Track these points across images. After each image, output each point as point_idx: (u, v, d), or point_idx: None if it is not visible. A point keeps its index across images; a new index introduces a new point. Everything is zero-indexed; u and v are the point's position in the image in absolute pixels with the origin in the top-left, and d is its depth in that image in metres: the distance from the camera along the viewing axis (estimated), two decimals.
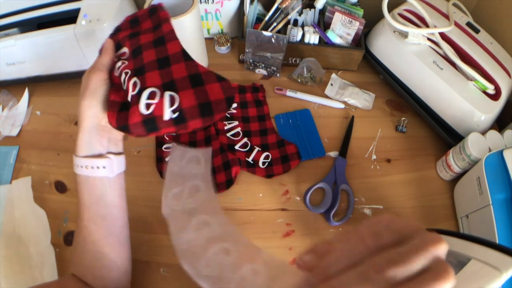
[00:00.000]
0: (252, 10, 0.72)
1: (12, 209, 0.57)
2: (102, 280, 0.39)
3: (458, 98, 0.60)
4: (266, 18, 0.72)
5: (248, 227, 0.56)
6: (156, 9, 0.42)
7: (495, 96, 0.61)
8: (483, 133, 0.57)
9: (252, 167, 0.62)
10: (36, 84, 0.72)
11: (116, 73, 0.39)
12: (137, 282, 0.52)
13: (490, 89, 0.61)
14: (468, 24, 0.68)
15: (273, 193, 0.60)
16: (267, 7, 0.75)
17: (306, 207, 0.58)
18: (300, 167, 0.62)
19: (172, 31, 0.38)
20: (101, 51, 0.41)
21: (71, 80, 0.73)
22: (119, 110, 0.36)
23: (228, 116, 0.68)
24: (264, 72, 0.75)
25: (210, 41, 0.79)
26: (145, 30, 0.40)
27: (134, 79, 0.36)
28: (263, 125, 0.67)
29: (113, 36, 0.42)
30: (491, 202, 0.48)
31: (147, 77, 0.36)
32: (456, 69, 0.62)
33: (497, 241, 0.45)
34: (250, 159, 0.62)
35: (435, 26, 0.65)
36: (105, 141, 0.37)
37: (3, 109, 0.70)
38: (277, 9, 0.71)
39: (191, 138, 0.65)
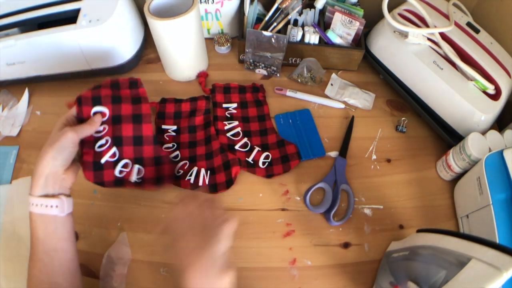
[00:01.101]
0: (252, 10, 0.72)
1: (12, 209, 0.57)
2: None
3: (458, 98, 0.60)
4: (266, 18, 0.72)
5: (248, 227, 0.56)
6: (136, 83, 0.52)
7: (495, 96, 0.61)
8: (483, 133, 0.57)
9: (252, 167, 0.62)
10: (36, 84, 0.72)
11: (95, 135, 0.48)
12: (137, 282, 0.52)
13: (490, 89, 0.61)
14: (468, 24, 0.68)
15: (273, 193, 0.60)
16: (267, 7, 0.75)
17: (306, 207, 0.58)
18: (300, 167, 0.62)
19: (149, 115, 0.51)
20: (80, 110, 0.47)
21: (71, 80, 0.73)
22: (94, 169, 0.47)
23: (228, 116, 0.68)
24: (264, 72, 0.75)
25: (210, 41, 0.79)
26: (125, 98, 0.50)
27: (114, 149, 0.49)
28: (263, 125, 0.67)
29: (93, 89, 0.49)
30: (491, 202, 0.48)
31: (124, 150, 0.49)
32: (456, 69, 0.62)
33: (497, 241, 0.45)
34: (250, 159, 0.62)
35: (435, 26, 0.65)
36: (57, 186, 0.42)
37: (3, 109, 0.69)
38: (277, 9, 0.71)
39: (191, 138, 0.65)
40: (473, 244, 0.36)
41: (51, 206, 0.41)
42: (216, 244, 0.37)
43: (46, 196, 0.41)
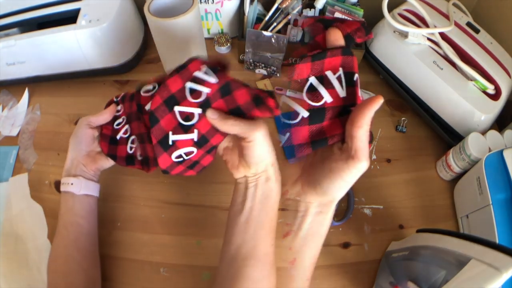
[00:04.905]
0: (252, 10, 0.72)
1: (10, 206, 0.57)
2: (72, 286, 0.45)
3: (458, 98, 0.60)
4: (266, 18, 0.72)
5: None
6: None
7: (495, 96, 0.61)
8: (483, 133, 0.57)
9: None
10: (36, 84, 0.72)
11: (115, 114, 0.51)
12: (137, 282, 0.52)
13: (490, 89, 0.61)
14: (468, 24, 0.68)
15: None
16: (267, 7, 0.75)
17: None
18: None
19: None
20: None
21: (71, 80, 0.73)
22: (109, 142, 0.50)
23: None
24: (264, 72, 0.75)
25: (210, 41, 0.79)
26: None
27: (126, 126, 0.50)
28: None
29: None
30: (491, 202, 0.48)
31: (132, 126, 0.49)
32: (456, 69, 0.62)
33: (497, 241, 0.45)
34: None
35: (435, 26, 0.65)
36: (78, 169, 0.48)
37: (3, 109, 0.70)
38: (277, 9, 0.71)
39: None
40: (473, 244, 0.36)
41: (68, 184, 0.47)
42: None
43: (68, 175, 0.48)
